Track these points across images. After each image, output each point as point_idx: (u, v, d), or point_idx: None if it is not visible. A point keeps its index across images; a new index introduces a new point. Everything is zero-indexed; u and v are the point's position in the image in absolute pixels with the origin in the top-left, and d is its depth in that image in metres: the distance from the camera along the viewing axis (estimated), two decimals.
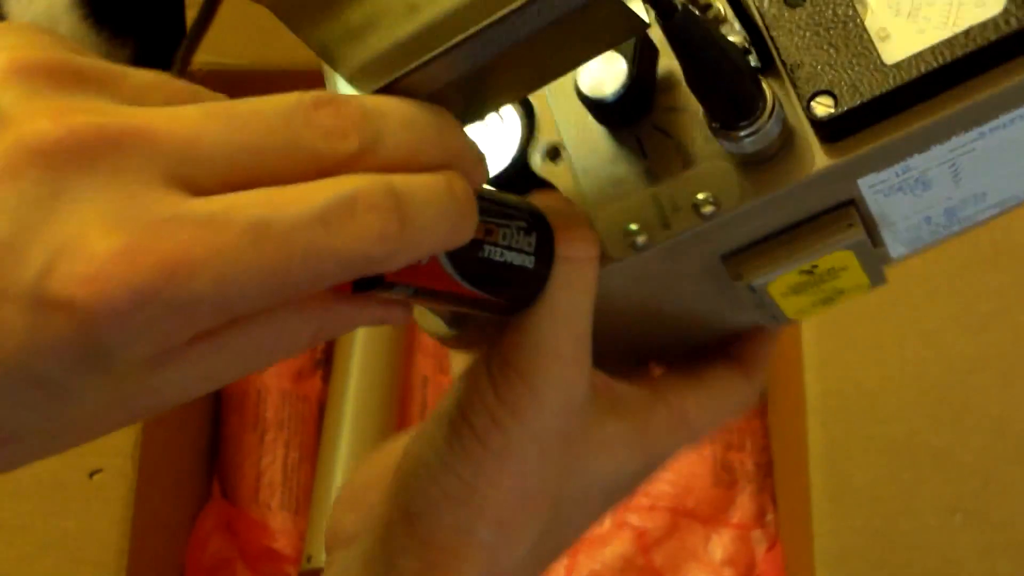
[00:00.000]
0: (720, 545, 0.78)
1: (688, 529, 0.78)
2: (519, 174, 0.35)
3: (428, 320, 0.36)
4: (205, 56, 0.76)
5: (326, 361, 0.85)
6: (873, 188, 0.33)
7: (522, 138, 0.35)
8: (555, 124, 0.35)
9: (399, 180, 0.25)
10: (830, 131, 0.31)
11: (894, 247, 0.37)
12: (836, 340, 0.69)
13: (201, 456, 0.82)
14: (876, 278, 0.37)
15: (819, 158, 0.32)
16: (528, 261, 0.32)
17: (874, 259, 0.36)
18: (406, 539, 0.33)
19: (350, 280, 0.26)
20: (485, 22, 0.26)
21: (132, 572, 0.66)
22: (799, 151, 0.32)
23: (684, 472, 0.79)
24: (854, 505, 0.66)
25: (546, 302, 0.32)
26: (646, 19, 0.28)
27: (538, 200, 0.33)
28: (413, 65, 0.27)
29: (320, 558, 0.77)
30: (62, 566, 0.66)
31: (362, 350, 0.82)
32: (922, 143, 0.32)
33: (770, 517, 0.79)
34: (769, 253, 0.34)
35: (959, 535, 0.65)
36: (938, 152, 0.32)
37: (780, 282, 0.35)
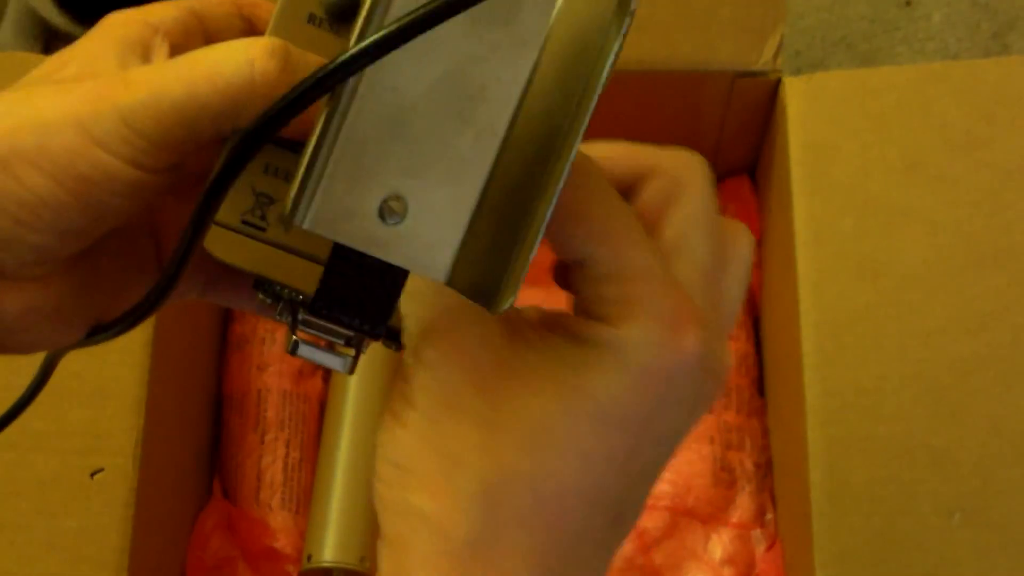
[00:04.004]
0: (720, 544, 0.78)
1: (688, 528, 0.78)
2: None
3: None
4: None
5: None
6: None
7: None
8: None
9: None
10: None
11: None
12: (836, 340, 0.69)
13: (202, 456, 0.82)
14: None
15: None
16: None
17: None
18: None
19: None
20: None
21: (133, 571, 0.66)
22: None
23: (684, 472, 0.79)
24: (853, 505, 0.66)
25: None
26: None
27: None
28: None
29: (320, 557, 0.77)
30: (63, 565, 0.66)
31: None
32: None
33: (770, 517, 0.79)
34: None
35: (958, 535, 0.65)
36: None
37: None
